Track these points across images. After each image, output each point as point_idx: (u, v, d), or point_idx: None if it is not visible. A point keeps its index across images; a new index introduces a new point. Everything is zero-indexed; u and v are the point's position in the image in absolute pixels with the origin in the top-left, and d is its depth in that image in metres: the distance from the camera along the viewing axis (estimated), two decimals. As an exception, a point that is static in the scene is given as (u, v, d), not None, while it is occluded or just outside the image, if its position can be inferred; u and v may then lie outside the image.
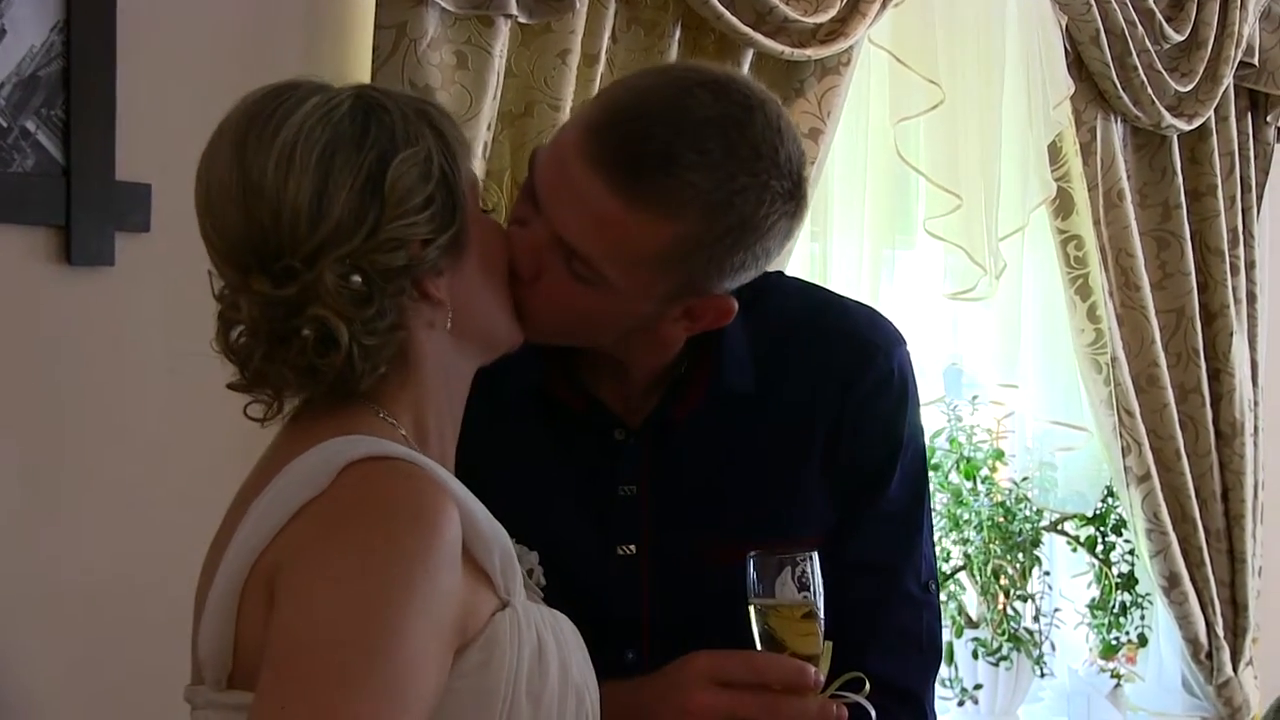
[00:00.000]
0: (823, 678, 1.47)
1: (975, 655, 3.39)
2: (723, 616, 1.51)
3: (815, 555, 1.50)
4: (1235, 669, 3.59)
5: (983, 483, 3.45)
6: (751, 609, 1.50)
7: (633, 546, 1.62)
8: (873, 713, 1.49)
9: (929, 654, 1.71)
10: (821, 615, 1.49)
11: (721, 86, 1.48)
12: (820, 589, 1.49)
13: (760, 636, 1.49)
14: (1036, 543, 3.46)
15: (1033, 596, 3.50)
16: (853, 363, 1.66)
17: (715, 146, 1.44)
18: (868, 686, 1.50)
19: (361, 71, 2.29)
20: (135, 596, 2.18)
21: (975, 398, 3.46)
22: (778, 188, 1.47)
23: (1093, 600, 3.64)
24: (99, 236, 2.16)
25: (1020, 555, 3.45)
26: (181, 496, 2.11)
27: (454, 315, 1.42)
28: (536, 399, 1.64)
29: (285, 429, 1.42)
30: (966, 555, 3.42)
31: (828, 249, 2.95)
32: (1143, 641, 3.68)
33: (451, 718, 1.29)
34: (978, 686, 3.40)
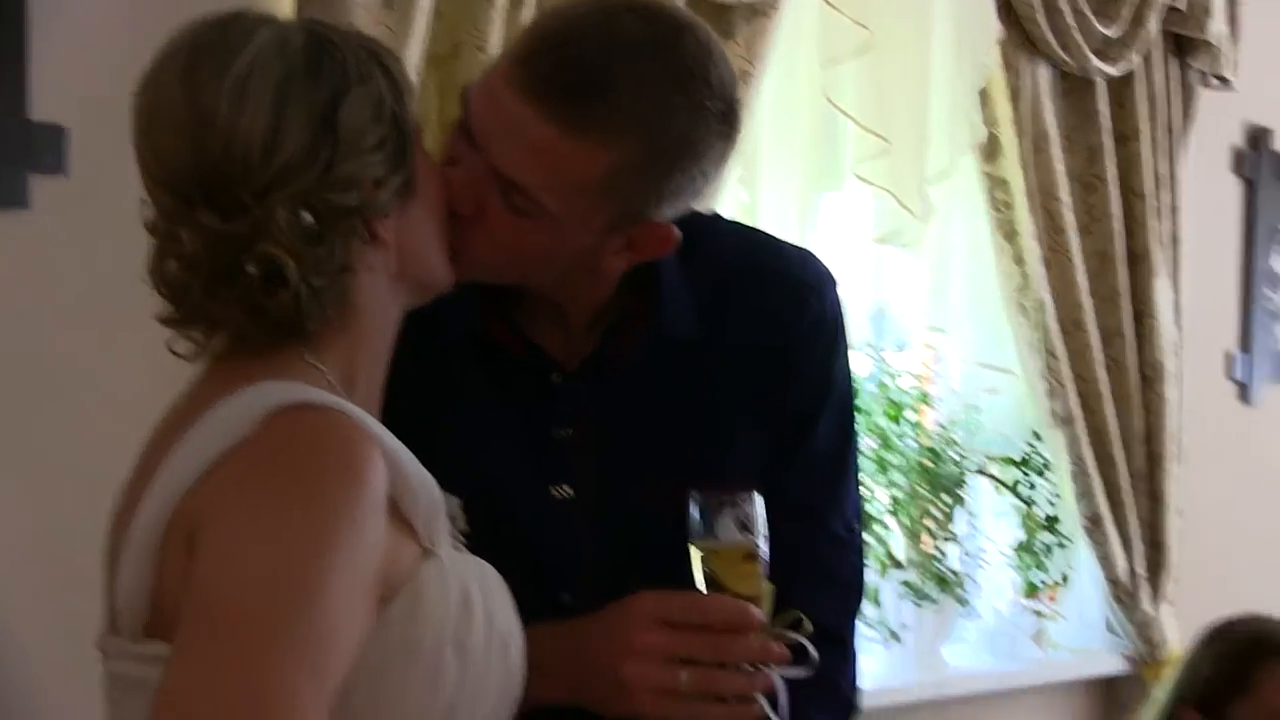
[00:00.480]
0: (765, 618, 1.48)
1: (901, 596, 3.41)
2: (660, 559, 1.51)
3: (756, 496, 1.50)
4: (1155, 608, 3.63)
5: (910, 427, 3.47)
6: (693, 550, 1.50)
7: (569, 489, 1.61)
8: (814, 652, 1.50)
9: (853, 594, 1.72)
10: (764, 556, 1.49)
11: (649, 10, 1.48)
12: (762, 530, 1.49)
13: (701, 578, 1.49)
14: (960, 483, 3.49)
15: (957, 538, 3.53)
16: (788, 304, 1.66)
17: (647, 69, 1.44)
18: (809, 625, 1.50)
19: (284, 11, 2.25)
20: (65, 547, 2.15)
21: (901, 341, 3.48)
22: (712, 108, 1.47)
23: (1017, 541, 3.68)
24: (11, 178, 2.12)
25: (945, 498, 3.48)
26: (102, 448, 2.08)
27: (396, 258, 1.41)
28: (472, 341, 1.63)
29: (208, 369, 1.39)
30: (894, 498, 3.44)
31: (756, 193, 2.94)
32: (1065, 581, 3.73)
33: (376, 670, 1.28)
34: (903, 626, 3.42)
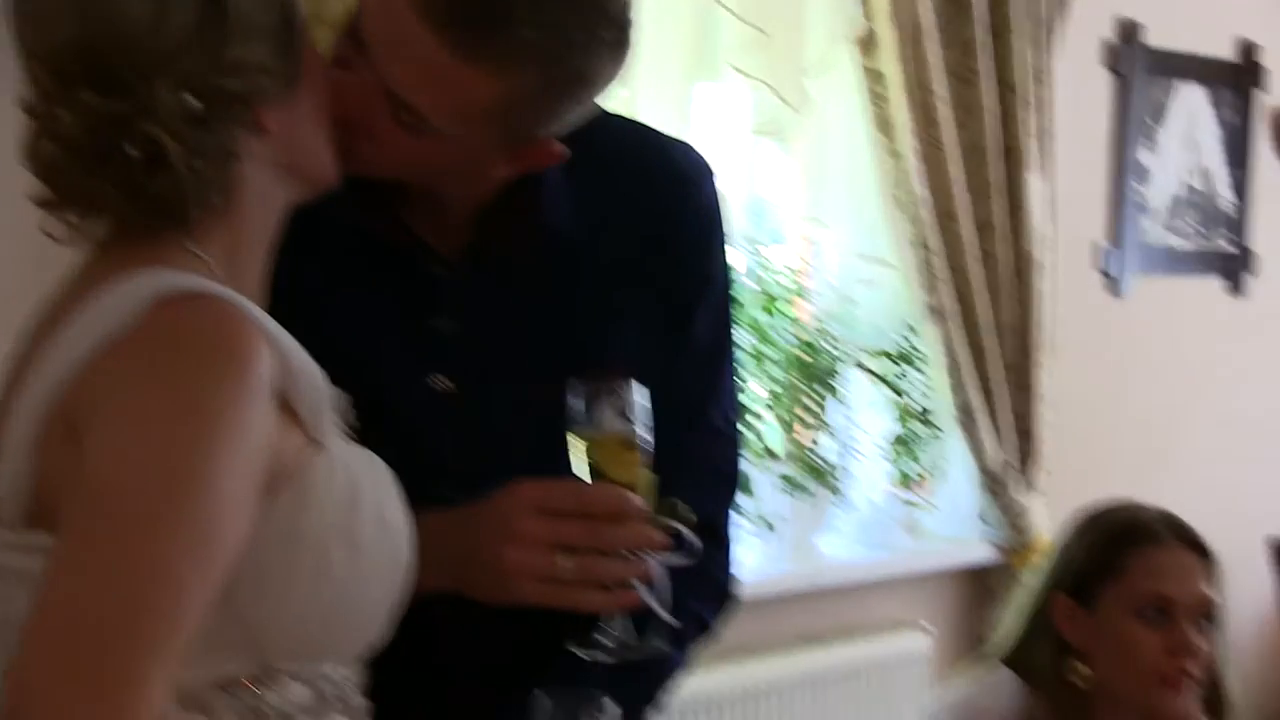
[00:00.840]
0: (645, 505, 1.48)
1: (776, 487, 3.44)
2: (540, 451, 1.52)
3: (637, 384, 1.50)
4: (1026, 497, 3.70)
5: (787, 320, 3.49)
6: (572, 438, 1.49)
7: (449, 381, 1.60)
8: (694, 540, 1.51)
9: (729, 486, 1.74)
10: (644, 445, 1.49)
11: None
12: (642, 419, 1.49)
13: (581, 466, 1.49)
14: (833, 373, 3.52)
15: (832, 430, 3.56)
16: (668, 196, 1.66)
17: (548, 1, 1.42)
18: (689, 513, 1.51)
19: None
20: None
21: (777, 234, 3.48)
22: (607, 38, 1.46)
23: (891, 433, 3.72)
24: None
25: (821, 390, 3.51)
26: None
27: (281, 149, 1.39)
28: (351, 233, 1.61)
29: (89, 257, 1.37)
30: (771, 391, 3.46)
31: (633, 83, 2.91)
32: (937, 473, 3.78)
33: (262, 561, 1.28)
34: (778, 517, 3.46)
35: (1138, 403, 4.25)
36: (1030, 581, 2.19)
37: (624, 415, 1.49)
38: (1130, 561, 2.05)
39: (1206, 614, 2.03)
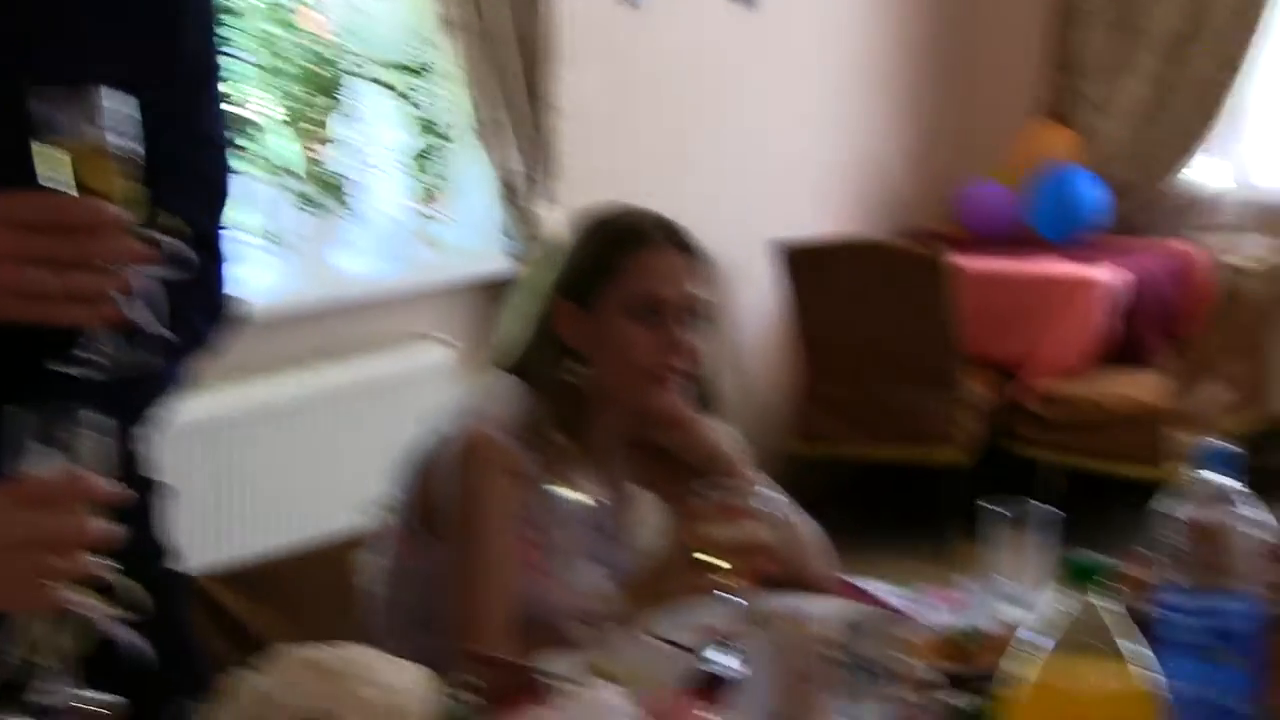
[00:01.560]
0: (128, 217, 1.43)
1: (290, 204, 3.40)
2: (8, 160, 1.43)
3: (112, 90, 1.42)
4: (542, 208, 3.76)
5: (299, 32, 3.40)
6: (44, 148, 1.42)
7: None
8: (189, 253, 1.47)
9: (220, 198, 1.71)
10: (123, 154, 1.43)
11: None
12: (122, 127, 1.43)
13: (55, 179, 1.42)
14: (336, 85, 3.47)
15: (348, 144, 3.52)
16: None
17: None
18: (181, 226, 1.47)
19: None
20: None
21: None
22: None
23: (409, 147, 3.71)
24: None
25: (335, 103, 3.46)
26: None
27: None
28: None
29: None
30: (285, 106, 3.39)
31: None
32: (455, 186, 3.80)
33: None
34: (292, 234, 3.42)
35: (654, 113, 4.35)
36: (528, 286, 2.22)
37: (95, 123, 1.42)
38: (625, 263, 2.10)
39: (695, 312, 2.11)
